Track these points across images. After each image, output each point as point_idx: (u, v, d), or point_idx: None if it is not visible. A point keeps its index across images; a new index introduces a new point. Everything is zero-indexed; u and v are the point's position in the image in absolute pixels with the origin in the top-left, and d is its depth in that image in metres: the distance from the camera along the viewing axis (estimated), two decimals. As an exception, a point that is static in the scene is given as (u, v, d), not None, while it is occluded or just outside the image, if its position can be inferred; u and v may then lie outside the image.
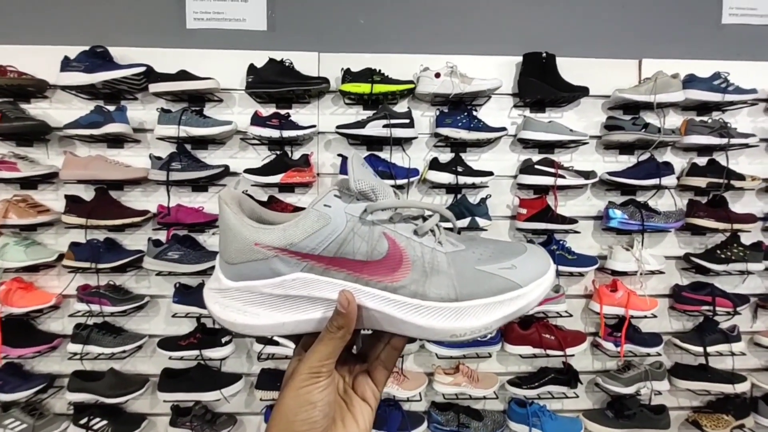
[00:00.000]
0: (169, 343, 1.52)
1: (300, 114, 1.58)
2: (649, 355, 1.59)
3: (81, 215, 1.45)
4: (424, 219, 0.36)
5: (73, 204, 1.48)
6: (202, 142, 1.55)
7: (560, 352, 1.54)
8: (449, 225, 0.39)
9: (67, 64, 1.43)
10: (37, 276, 1.55)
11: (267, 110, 1.54)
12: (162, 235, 1.53)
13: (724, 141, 1.53)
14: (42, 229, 1.55)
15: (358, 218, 0.33)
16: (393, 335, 0.36)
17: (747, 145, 1.57)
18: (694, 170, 1.59)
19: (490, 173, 1.54)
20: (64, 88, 1.46)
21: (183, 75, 1.46)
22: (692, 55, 1.64)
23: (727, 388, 1.57)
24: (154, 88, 1.46)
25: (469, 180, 1.52)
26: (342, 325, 0.32)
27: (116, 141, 1.54)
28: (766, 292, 1.66)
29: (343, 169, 1.50)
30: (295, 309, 0.34)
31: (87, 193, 1.54)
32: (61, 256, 1.52)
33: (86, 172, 1.45)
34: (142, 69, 1.44)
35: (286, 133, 1.47)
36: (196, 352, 1.49)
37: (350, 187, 0.34)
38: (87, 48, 1.45)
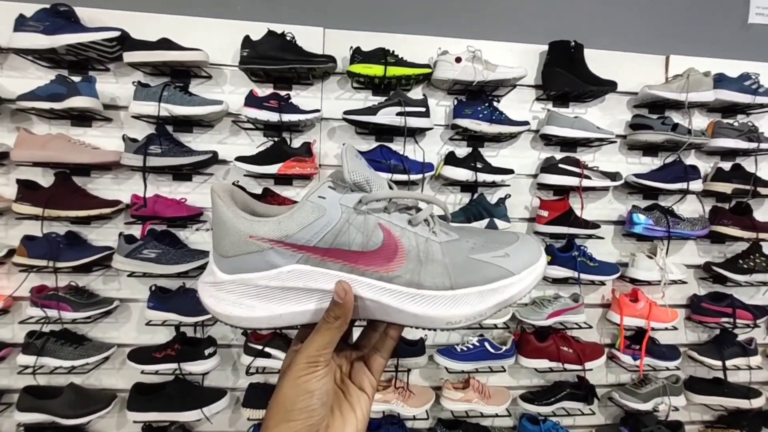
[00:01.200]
0: (141, 355, 1.31)
1: (301, 96, 1.39)
2: (667, 369, 1.50)
3: (37, 204, 1.22)
4: (418, 209, 0.37)
5: (27, 190, 1.24)
6: (187, 124, 1.34)
7: (578, 366, 1.43)
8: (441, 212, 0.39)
9: (22, 24, 1.19)
10: (-20, 275, 1.31)
11: (264, 90, 1.34)
12: (136, 230, 1.32)
13: (754, 145, 1.45)
14: (-12, 219, 1.30)
15: (353, 209, 0.33)
16: (389, 324, 0.37)
17: (774, 151, 1.50)
18: (718, 175, 1.51)
19: (511, 171, 1.40)
20: (18, 52, 1.21)
21: (165, 44, 1.25)
22: (719, 53, 1.55)
23: (743, 403, 1.51)
24: (129, 57, 1.24)
25: (489, 178, 1.38)
26: (339, 315, 0.32)
27: (82, 118, 1.31)
28: (782, 303, 1.61)
29: (342, 149, 1.32)
30: (291, 300, 0.34)
31: (45, 179, 1.30)
32: (11, 252, 1.28)
33: (44, 153, 1.21)
34: (115, 34, 1.22)
35: (286, 117, 1.28)
36: (174, 366, 1.29)
37: (345, 179, 0.34)
38: (48, 6, 1.21)
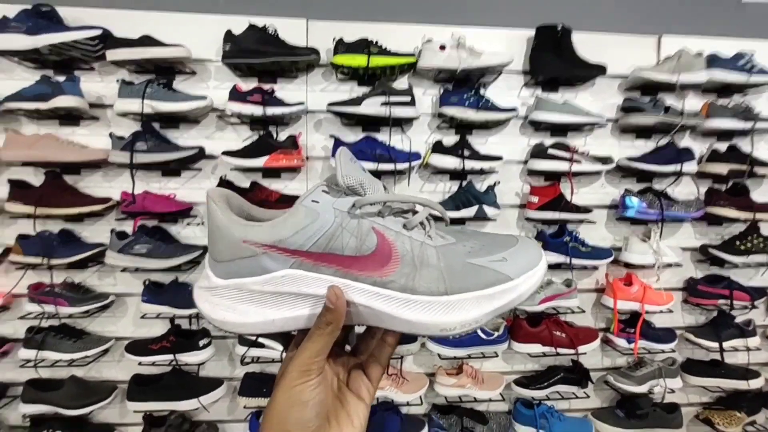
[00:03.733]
0: (138, 347, 1.35)
1: (286, 89, 1.39)
2: (663, 351, 1.50)
3: (28, 203, 1.24)
4: (414, 212, 0.36)
5: (19, 190, 1.27)
6: (173, 120, 1.35)
7: (571, 351, 1.43)
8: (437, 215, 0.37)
9: (4, 25, 1.20)
10: (-20, 273, 1.34)
11: (247, 84, 1.34)
12: (127, 226, 1.34)
13: (749, 125, 1.42)
14: (-18, 219, 1.33)
15: (346, 213, 0.33)
16: (385, 331, 0.36)
17: (771, 130, 1.46)
18: (714, 156, 1.48)
19: (499, 158, 1.39)
20: (2, 53, 1.23)
21: (147, 41, 1.26)
22: (712, 32, 1.51)
23: (741, 385, 1.50)
24: (112, 55, 1.25)
25: (476, 165, 1.37)
26: (331, 321, 0.32)
27: (70, 118, 1.32)
28: (781, 284, 1.58)
29: (336, 153, 1.32)
30: (285, 306, 0.33)
31: (36, 178, 1.32)
32: (7, 251, 1.31)
33: (33, 153, 1.24)
34: (97, 32, 1.22)
35: (271, 111, 1.28)
36: (170, 357, 1.32)
37: (338, 182, 0.33)
38: (29, 6, 1.22)
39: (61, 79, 1.24)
